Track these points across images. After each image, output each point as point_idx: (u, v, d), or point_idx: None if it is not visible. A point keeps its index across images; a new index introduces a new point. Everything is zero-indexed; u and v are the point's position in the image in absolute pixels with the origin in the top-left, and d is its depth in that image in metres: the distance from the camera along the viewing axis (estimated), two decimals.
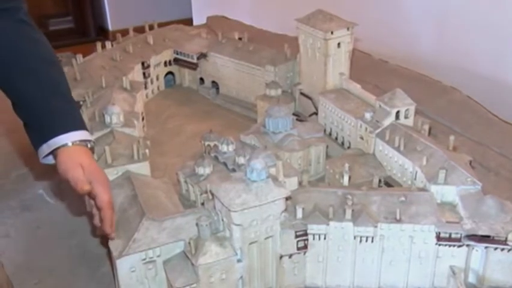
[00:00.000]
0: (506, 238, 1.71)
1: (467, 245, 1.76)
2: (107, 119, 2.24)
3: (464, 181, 1.85)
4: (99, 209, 1.70)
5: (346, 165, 1.98)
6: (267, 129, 2.34)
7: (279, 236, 1.73)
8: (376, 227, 1.76)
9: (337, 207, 1.79)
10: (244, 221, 1.63)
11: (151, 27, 3.29)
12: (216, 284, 1.66)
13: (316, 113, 2.64)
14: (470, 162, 2.05)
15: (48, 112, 1.73)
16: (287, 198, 1.70)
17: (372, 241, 1.78)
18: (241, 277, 1.70)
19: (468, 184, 1.84)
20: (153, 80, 3.12)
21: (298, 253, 1.78)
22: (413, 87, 2.69)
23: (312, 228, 1.77)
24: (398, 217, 1.76)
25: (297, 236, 1.75)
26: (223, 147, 2.22)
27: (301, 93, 2.76)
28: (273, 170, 1.81)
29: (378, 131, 2.22)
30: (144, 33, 3.23)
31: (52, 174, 2.44)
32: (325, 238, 1.78)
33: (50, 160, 1.76)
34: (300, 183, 1.93)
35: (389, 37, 3.61)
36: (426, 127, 2.21)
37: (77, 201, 2.25)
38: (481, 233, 1.73)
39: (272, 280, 1.79)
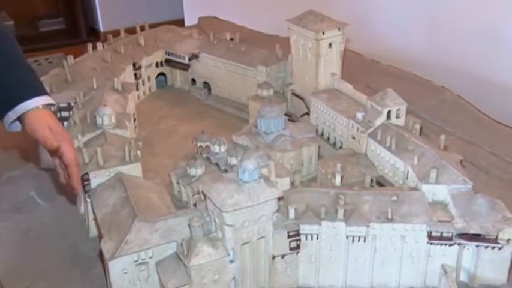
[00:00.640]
0: (497, 237, 1.72)
1: (459, 244, 1.77)
2: (99, 120, 2.23)
3: (456, 180, 1.86)
4: (65, 166, 1.85)
5: (338, 165, 1.99)
6: (259, 129, 2.34)
7: (271, 237, 1.73)
8: (368, 226, 1.76)
9: (329, 207, 1.79)
10: (237, 222, 1.63)
11: (142, 28, 3.28)
12: (209, 284, 1.66)
13: (308, 113, 2.65)
14: (461, 161, 2.06)
15: (12, 81, 1.83)
16: (279, 199, 1.71)
17: (364, 241, 1.78)
18: (234, 278, 1.70)
19: (459, 183, 1.85)
20: (145, 81, 3.11)
21: (291, 253, 1.78)
22: (404, 87, 2.70)
23: (305, 229, 1.77)
24: (390, 216, 1.77)
25: (289, 236, 1.75)
26: (216, 148, 2.21)
27: (293, 94, 2.76)
28: (265, 171, 1.82)
29: (369, 131, 2.23)
30: (136, 34, 3.22)
31: (44, 177, 2.44)
32: (317, 238, 1.79)
33: (17, 127, 1.86)
34: (292, 184, 1.93)
35: (381, 37, 3.62)
36: (417, 127, 2.22)
37: (68, 203, 2.25)
38: (472, 231, 1.74)
39: (265, 280, 1.79)
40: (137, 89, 2.99)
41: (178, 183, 2.20)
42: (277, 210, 1.72)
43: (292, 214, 1.77)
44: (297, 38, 2.60)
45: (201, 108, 3.03)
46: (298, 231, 1.76)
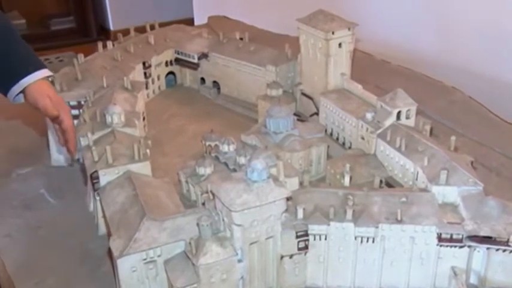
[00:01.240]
0: (508, 239, 1.71)
1: (469, 246, 1.75)
2: (108, 118, 2.24)
3: (466, 182, 1.85)
4: (64, 131, 2.08)
5: (347, 165, 1.98)
6: (268, 129, 2.34)
7: (279, 237, 1.73)
8: (377, 227, 1.76)
9: (338, 207, 1.78)
10: (245, 221, 1.63)
11: (152, 27, 3.29)
12: (217, 284, 1.66)
13: (317, 113, 2.64)
14: (472, 162, 2.05)
15: (17, 58, 2.05)
16: (288, 199, 1.70)
17: (373, 242, 1.77)
18: (242, 277, 1.70)
19: (470, 185, 1.84)
20: (154, 80, 3.11)
21: (299, 253, 1.78)
22: (414, 87, 2.69)
23: (313, 229, 1.76)
24: (399, 218, 1.76)
25: (297, 237, 1.75)
26: (224, 147, 2.21)
27: (302, 94, 2.76)
28: (273, 170, 1.81)
29: (379, 131, 2.22)
30: (145, 33, 3.22)
31: (54, 174, 2.45)
32: (326, 238, 1.78)
33: (20, 99, 2.06)
34: (300, 184, 1.93)
35: (391, 37, 3.61)
36: (427, 127, 2.21)
37: (78, 201, 2.26)
38: (482, 234, 1.72)
39: (273, 280, 1.79)
40: (147, 87, 3.00)
41: (187, 182, 2.21)
42: (286, 210, 1.72)
43: (300, 214, 1.77)
44: (306, 37, 2.59)
45: (210, 107, 3.03)
46: (306, 231, 1.75)
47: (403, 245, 1.78)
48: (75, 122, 2.34)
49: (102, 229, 2.05)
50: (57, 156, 2.53)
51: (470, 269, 1.80)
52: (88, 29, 6.45)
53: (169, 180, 2.12)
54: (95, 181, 2.00)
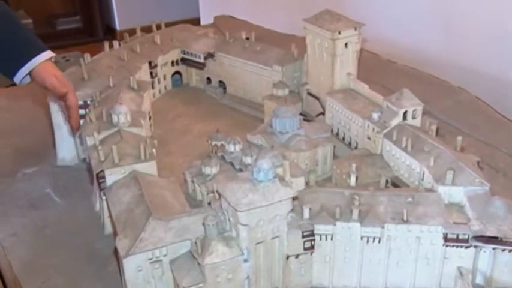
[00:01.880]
0: None
1: (475, 246, 1.75)
2: (114, 118, 2.24)
3: (472, 182, 1.84)
4: (68, 108, 2.28)
5: (353, 165, 1.98)
6: (274, 129, 2.34)
7: (285, 236, 1.72)
8: (383, 227, 1.75)
9: (344, 207, 1.78)
10: (251, 221, 1.63)
11: (158, 27, 3.29)
12: (223, 283, 1.66)
13: (323, 113, 2.64)
14: (478, 163, 2.04)
15: (23, 41, 2.23)
16: (294, 199, 1.70)
17: (379, 242, 1.77)
18: (248, 277, 1.70)
19: (476, 185, 1.83)
20: (160, 79, 3.12)
21: (305, 253, 1.77)
22: (421, 87, 2.68)
23: (319, 229, 1.76)
24: (405, 218, 1.75)
25: (303, 236, 1.75)
26: (230, 147, 2.21)
27: (309, 93, 2.75)
28: (279, 170, 1.81)
29: (385, 131, 2.22)
30: (152, 33, 3.23)
31: (60, 174, 2.46)
32: (332, 238, 1.78)
33: (26, 80, 2.23)
34: (306, 184, 1.93)
35: (397, 37, 3.60)
36: (434, 127, 2.20)
37: (84, 200, 2.26)
38: (488, 234, 1.72)
39: (278, 280, 1.79)
40: (153, 87, 3.00)
41: (192, 181, 2.21)
42: (292, 210, 1.71)
43: (306, 214, 1.76)
44: (312, 37, 2.59)
45: (216, 107, 3.04)
46: (312, 231, 1.75)
47: (409, 245, 1.77)
48: (81, 121, 2.35)
49: (108, 229, 2.05)
50: (63, 156, 2.53)
51: (476, 269, 1.79)
52: (94, 28, 6.48)
53: (175, 180, 2.13)
54: (101, 181, 2.01)
